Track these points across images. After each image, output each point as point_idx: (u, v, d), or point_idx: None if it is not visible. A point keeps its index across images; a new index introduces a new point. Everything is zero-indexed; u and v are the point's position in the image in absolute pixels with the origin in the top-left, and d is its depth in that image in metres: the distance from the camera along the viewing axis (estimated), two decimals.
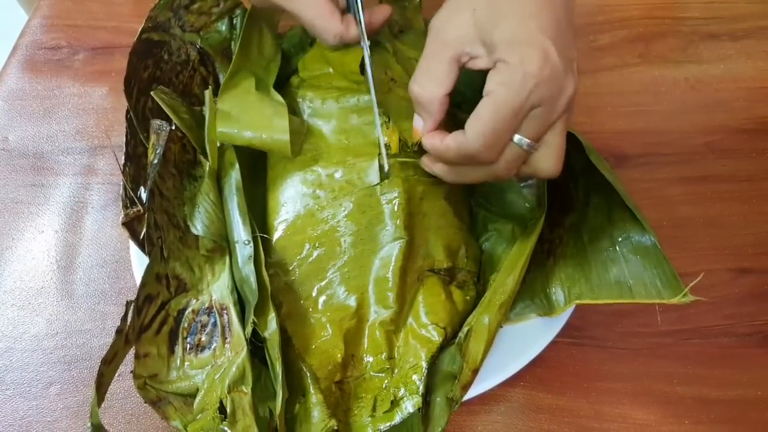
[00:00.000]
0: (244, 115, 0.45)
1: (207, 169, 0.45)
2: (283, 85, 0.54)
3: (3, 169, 0.59)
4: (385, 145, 0.46)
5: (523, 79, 0.34)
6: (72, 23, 0.69)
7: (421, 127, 0.41)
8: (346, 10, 0.46)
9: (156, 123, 0.45)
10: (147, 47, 0.48)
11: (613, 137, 0.61)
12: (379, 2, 0.59)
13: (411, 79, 0.40)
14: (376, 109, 0.45)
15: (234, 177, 0.45)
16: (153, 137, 0.45)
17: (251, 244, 0.42)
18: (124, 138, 0.44)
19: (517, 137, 0.37)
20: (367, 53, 0.45)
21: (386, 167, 0.45)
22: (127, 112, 0.45)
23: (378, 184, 0.45)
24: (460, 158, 0.39)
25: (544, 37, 0.35)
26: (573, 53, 0.37)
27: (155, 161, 0.44)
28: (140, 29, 0.47)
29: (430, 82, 0.39)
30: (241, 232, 0.43)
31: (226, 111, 0.45)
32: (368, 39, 0.45)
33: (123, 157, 0.44)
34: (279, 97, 0.47)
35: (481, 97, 0.37)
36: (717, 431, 0.47)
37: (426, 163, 0.44)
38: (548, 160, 0.38)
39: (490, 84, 0.36)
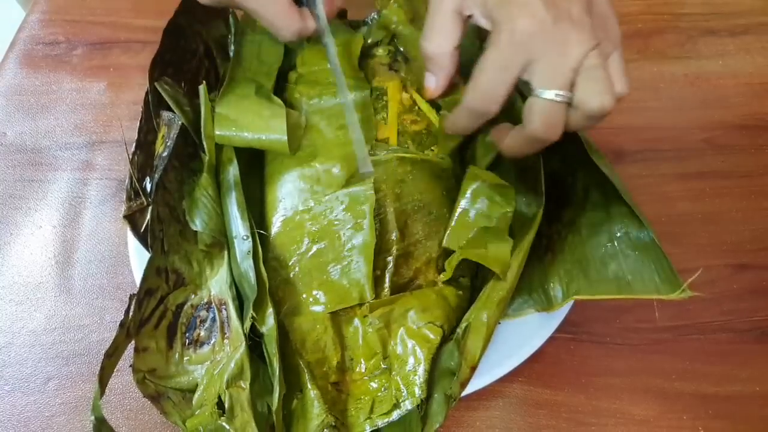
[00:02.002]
0: (242, 118, 0.45)
1: (205, 163, 0.45)
2: (281, 80, 0.54)
3: (1, 164, 0.59)
4: (384, 140, 0.47)
5: (509, 37, 0.37)
6: (70, 18, 0.69)
7: (433, 84, 0.44)
8: (299, 2, 0.45)
9: (167, 115, 0.44)
10: (178, 28, 0.48)
11: (611, 133, 0.61)
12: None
13: (420, 38, 0.43)
14: (348, 98, 0.45)
15: (232, 172, 0.45)
16: (164, 129, 0.44)
17: (250, 239, 0.42)
18: (138, 124, 0.44)
19: (541, 93, 0.38)
20: (331, 43, 0.44)
21: (368, 166, 0.44)
22: (146, 94, 0.44)
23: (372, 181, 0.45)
24: (467, 116, 0.42)
25: None
26: (574, 5, 0.37)
27: (165, 154, 0.43)
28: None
29: (438, 37, 0.41)
30: (239, 227, 0.43)
31: (224, 114, 0.45)
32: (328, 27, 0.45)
33: (133, 145, 0.43)
34: (278, 100, 0.47)
35: None
36: (715, 427, 0.47)
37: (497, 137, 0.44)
38: (592, 94, 0.38)
39: (486, 42, 0.38)
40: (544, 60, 0.37)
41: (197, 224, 0.43)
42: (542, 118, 0.38)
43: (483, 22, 0.40)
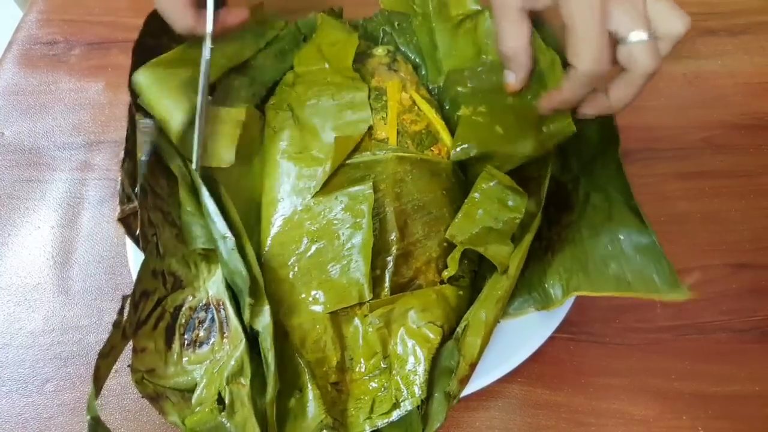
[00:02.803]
0: (152, 89, 0.45)
1: (179, 181, 0.45)
2: (278, 81, 0.54)
3: None
4: (384, 139, 0.47)
5: None
6: (68, 18, 0.69)
7: (513, 80, 0.47)
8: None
9: (142, 122, 0.45)
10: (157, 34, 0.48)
11: None
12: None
13: (497, 43, 0.45)
14: (200, 108, 0.46)
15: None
16: (139, 136, 0.44)
17: (232, 237, 0.42)
18: (125, 133, 0.44)
19: (633, 37, 0.40)
20: (206, 51, 0.46)
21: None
22: (130, 106, 0.44)
23: (371, 181, 0.45)
24: (584, 84, 0.42)
25: None
26: None
27: (143, 159, 0.44)
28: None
29: (511, 38, 0.44)
30: (219, 228, 0.43)
31: (139, 80, 0.45)
32: (217, 38, 0.47)
33: (122, 153, 0.43)
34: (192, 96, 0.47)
35: None
36: (715, 427, 0.47)
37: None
38: (669, 20, 0.41)
39: (565, 18, 0.40)
40: (619, 9, 0.39)
41: (197, 243, 0.43)
42: (648, 55, 0.40)
43: (546, 3, 0.42)
